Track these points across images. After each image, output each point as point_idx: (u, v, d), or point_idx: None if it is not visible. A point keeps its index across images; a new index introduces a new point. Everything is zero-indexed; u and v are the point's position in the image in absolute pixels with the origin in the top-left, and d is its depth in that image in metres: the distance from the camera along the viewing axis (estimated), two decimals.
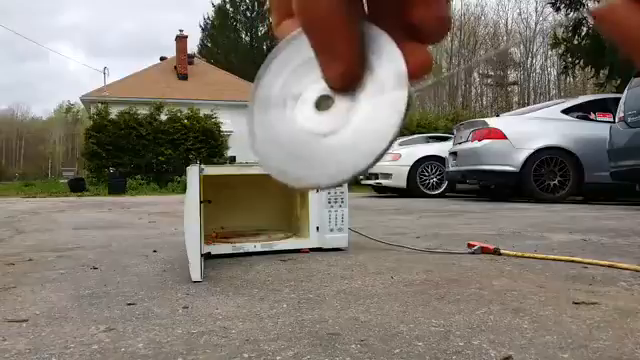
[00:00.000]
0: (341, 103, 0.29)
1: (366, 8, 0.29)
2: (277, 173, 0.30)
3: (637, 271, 1.76)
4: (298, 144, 0.30)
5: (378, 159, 0.28)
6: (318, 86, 0.29)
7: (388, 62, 0.28)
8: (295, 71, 0.30)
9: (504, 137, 6.83)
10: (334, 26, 0.27)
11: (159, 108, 15.99)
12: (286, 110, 0.30)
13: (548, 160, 6.71)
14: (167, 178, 15.10)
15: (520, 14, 62.24)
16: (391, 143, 0.28)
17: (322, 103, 0.29)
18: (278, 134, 0.30)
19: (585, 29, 12.22)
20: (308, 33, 0.28)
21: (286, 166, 0.30)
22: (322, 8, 0.26)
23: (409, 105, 0.27)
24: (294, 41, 0.30)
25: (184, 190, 1.82)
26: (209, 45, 36.96)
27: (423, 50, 0.28)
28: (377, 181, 9.09)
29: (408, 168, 8.73)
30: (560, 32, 13.44)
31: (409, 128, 15.01)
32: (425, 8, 0.27)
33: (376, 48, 0.28)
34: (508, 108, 31.33)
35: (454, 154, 7.74)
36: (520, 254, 2.13)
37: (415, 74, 0.28)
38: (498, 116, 8.18)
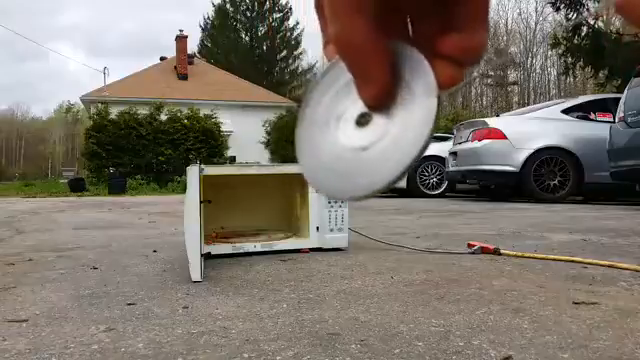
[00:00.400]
0: (378, 119, 0.31)
1: (409, 33, 0.32)
2: (320, 187, 0.33)
3: (637, 271, 1.76)
4: (339, 160, 0.32)
5: (412, 163, 0.30)
6: (358, 105, 0.32)
7: (419, 77, 0.30)
8: (338, 92, 0.33)
9: (504, 137, 6.84)
10: (366, 52, 0.29)
11: (159, 108, 15.99)
12: (329, 129, 0.33)
13: (548, 160, 6.71)
14: (167, 178, 15.10)
15: (520, 14, 62.33)
16: (424, 148, 0.30)
17: (361, 120, 0.32)
18: (322, 151, 0.33)
19: (585, 29, 12.22)
20: (344, 59, 0.30)
21: (328, 180, 0.33)
22: (355, 36, 0.29)
23: (439, 111, 0.30)
24: (337, 65, 0.32)
25: (184, 190, 1.82)
26: (209, 45, 36.95)
27: (453, 67, 0.30)
28: None
29: None
30: (560, 32, 13.45)
31: None
32: (454, 41, 0.30)
33: (408, 64, 0.31)
34: (508, 108, 31.34)
35: (454, 154, 7.74)
36: (520, 254, 2.13)
37: (445, 87, 0.30)
38: (498, 116, 8.18)
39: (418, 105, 0.30)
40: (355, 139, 0.32)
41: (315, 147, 0.33)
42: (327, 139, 0.33)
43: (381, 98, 0.30)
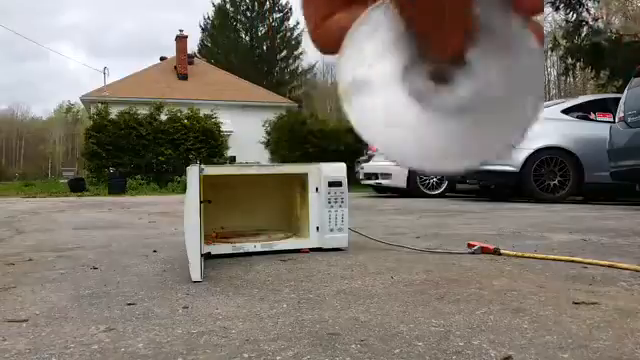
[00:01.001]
0: (462, 75, 0.25)
1: None
2: (404, 161, 0.27)
3: (637, 271, 1.76)
4: (419, 125, 0.26)
5: (526, 132, 0.24)
6: (426, 60, 0.25)
7: (505, 15, 0.24)
8: (390, 48, 0.26)
9: None
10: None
11: (159, 108, 15.97)
12: (392, 89, 0.26)
13: (548, 160, 6.71)
14: (167, 178, 15.08)
15: None
16: (540, 109, 0.24)
17: (437, 77, 0.26)
18: (390, 116, 0.26)
19: (585, 29, 12.22)
20: (420, 8, 0.24)
21: (418, 152, 0.26)
22: None
23: (544, 58, 0.24)
24: (372, 20, 0.26)
25: (184, 190, 1.82)
26: (209, 45, 36.95)
27: None
28: (377, 181, 9.09)
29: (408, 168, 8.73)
30: (560, 34, 13.44)
31: None
32: None
33: (488, 3, 0.25)
34: None
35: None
36: (520, 254, 2.13)
37: (528, 12, 0.25)
38: None
39: (515, 54, 0.24)
40: (435, 100, 0.25)
41: (390, 115, 0.26)
42: (403, 104, 0.26)
43: (463, 48, 0.25)
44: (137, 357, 0.99)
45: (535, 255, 2.10)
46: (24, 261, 2.22)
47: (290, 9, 36.74)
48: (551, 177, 6.74)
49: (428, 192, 8.82)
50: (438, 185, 8.93)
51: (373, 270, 1.87)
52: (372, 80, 0.27)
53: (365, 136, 0.27)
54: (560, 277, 1.71)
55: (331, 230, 2.32)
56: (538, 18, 0.26)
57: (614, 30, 12.87)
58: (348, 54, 0.27)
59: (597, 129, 6.61)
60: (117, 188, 12.93)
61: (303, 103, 30.03)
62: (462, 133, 0.25)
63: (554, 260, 2.01)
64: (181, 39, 25.65)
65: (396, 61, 0.26)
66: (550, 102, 8.72)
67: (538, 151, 6.69)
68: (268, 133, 17.63)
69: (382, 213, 4.98)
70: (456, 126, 0.25)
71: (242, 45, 35.87)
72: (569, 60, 12.65)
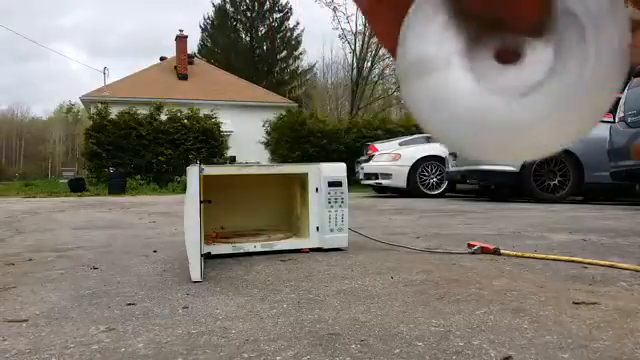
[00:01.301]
0: (534, 51, 0.23)
1: None
2: (460, 148, 0.25)
3: (637, 271, 1.76)
4: (485, 109, 0.23)
5: (600, 117, 0.22)
6: (492, 34, 0.23)
7: None
8: (450, 24, 0.24)
9: None
10: None
11: (159, 108, 15.97)
12: (455, 70, 0.24)
13: (548, 160, 6.71)
14: (167, 178, 15.08)
15: None
16: (610, 101, 0.22)
17: (502, 55, 0.23)
18: (454, 101, 0.24)
19: None
20: None
21: (475, 139, 0.24)
22: None
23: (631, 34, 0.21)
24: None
25: (184, 190, 1.82)
26: (209, 45, 36.96)
27: None
28: (377, 181, 9.09)
29: (408, 168, 8.74)
30: None
31: (409, 128, 15.00)
32: None
33: None
34: None
35: (454, 154, 7.74)
36: (520, 254, 2.13)
37: None
38: None
39: (599, 28, 0.21)
40: (503, 81, 0.23)
41: (447, 98, 0.24)
42: (461, 84, 0.24)
43: (541, 18, 0.22)
44: (137, 357, 0.99)
45: (535, 255, 2.10)
46: (24, 261, 2.22)
47: (290, 9, 36.76)
48: (551, 177, 6.74)
49: (428, 192, 8.83)
50: (438, 185, 8.93)
51: (373, 270, 1.87)
52: (434, 61, 0.24)
53: (424, 124, 0.25)
54: (560, 277, 1.71)
55: (331, 230, 2.32)
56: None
57: None
58: (406, 36, 0.25)
59: (597, 129, 6.60)
60: (117, 188, 12.93)
61: (303, 103, 30.00)
62: (529, 120, 0.23)
63: (554, 260, 2.01)
64: (181, 39, 25.66)
65: (459, 39, 0.24)
66: None
67: None
68: (268, 133, 17.63)
69: (382, 213, 4.98)
70: (523, 111, 0.23)
71: (242, 45, 35.87)
72: None
